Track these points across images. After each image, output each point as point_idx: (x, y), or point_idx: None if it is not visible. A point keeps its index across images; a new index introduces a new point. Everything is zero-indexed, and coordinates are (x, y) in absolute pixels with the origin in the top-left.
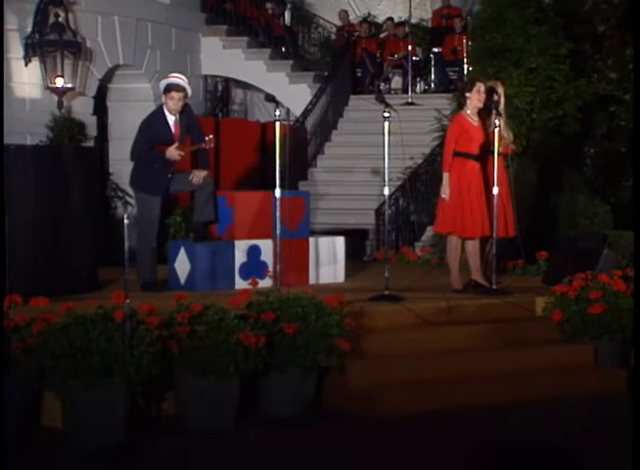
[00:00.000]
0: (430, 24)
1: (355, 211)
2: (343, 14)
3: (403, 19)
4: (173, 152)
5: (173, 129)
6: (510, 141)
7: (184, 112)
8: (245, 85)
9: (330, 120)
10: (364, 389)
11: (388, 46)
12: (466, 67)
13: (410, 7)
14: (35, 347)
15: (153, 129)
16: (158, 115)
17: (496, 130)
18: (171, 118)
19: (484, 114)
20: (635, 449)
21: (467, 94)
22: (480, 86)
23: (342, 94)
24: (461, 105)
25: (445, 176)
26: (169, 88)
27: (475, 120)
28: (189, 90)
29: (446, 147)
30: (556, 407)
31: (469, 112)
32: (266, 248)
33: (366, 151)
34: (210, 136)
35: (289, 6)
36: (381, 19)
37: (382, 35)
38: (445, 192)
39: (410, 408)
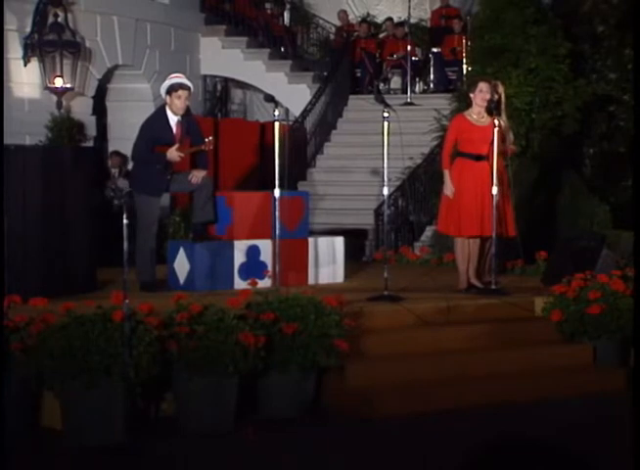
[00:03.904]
0: (429, 25)
1: (354, 212)
2: (343, 14)
3: (402, 19)
4: (174, 153)
5: (175, 130)
6: (510, 141)
7: (185, 112)
8: (244, 85)
9: (329, 120)
10: (364, 389)
11: (388, 46)
12: (465, 67)
13: (409, 7)
14: (35, 347)
15: (154, 130)
16: (159, 115)
17: (496, 130)
18: (173, 119)
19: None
20: (635, 449)
21: (470, 95)
22: (483, 86)
23: (341, 94)
24: (467, 105)
25: (445, 174)
26: (176, 87)
27: (478, 120)
28: (192, 88)
29: (444, 146)
30: (556, 407)
31: (471, 112)
32: (265, 248)
33: (365, 151)
34: (210, 138)
35: (288, 6)
36: (380, 19)
37: (381, 35)
38: (449, 188)
39: (410, 408)
